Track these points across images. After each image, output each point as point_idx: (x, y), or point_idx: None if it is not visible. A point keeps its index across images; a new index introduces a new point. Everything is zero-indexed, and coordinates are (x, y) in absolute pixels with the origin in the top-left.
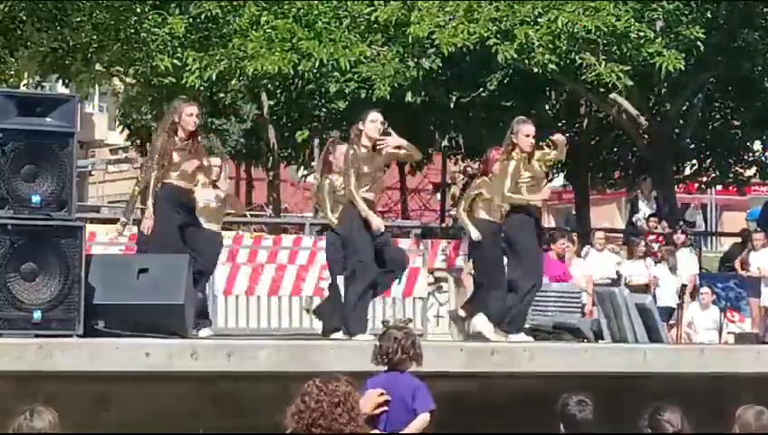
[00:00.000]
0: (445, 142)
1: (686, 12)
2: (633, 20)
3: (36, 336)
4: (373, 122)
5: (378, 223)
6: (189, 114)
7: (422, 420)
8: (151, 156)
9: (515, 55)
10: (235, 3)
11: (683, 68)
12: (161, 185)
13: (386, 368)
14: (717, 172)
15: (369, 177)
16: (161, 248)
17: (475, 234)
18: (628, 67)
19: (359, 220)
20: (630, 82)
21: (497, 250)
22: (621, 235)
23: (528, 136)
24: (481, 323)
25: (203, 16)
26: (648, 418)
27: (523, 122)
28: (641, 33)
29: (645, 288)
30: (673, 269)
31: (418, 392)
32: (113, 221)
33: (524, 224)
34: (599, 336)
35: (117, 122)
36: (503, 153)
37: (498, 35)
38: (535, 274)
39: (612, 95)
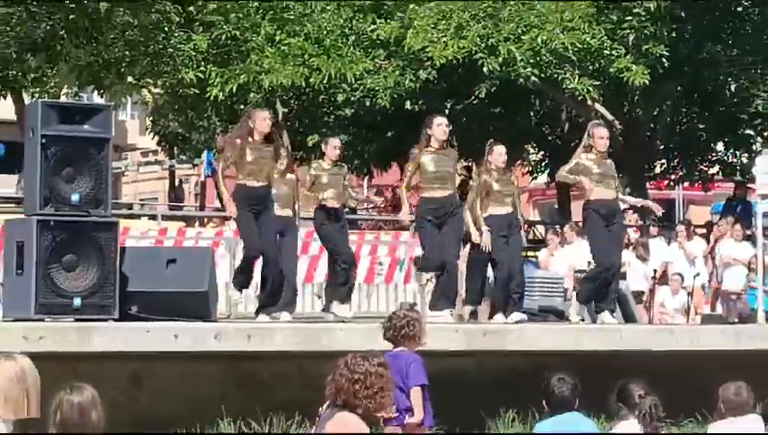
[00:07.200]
0: None
1: (653, 30)
2: (606, 38)
3: (76, 320)
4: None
5: None
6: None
7: (414, 394)
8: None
9: (498, 68)
10: (251, 23)
11: (647, 83)
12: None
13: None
14: (684, 171)
15: None
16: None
17: None
18: (598, 82)
19: None
20: (596, 95)
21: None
22: None
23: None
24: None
25: (223, 37)
26: (616, 392)
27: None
28: (613, 51)
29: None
30: (641, 258)
31: (410, 368)
32: (145, 217)
33: None
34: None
35: (147, 128)
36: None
37: (485, 50)
38: None
39: (589, 102)
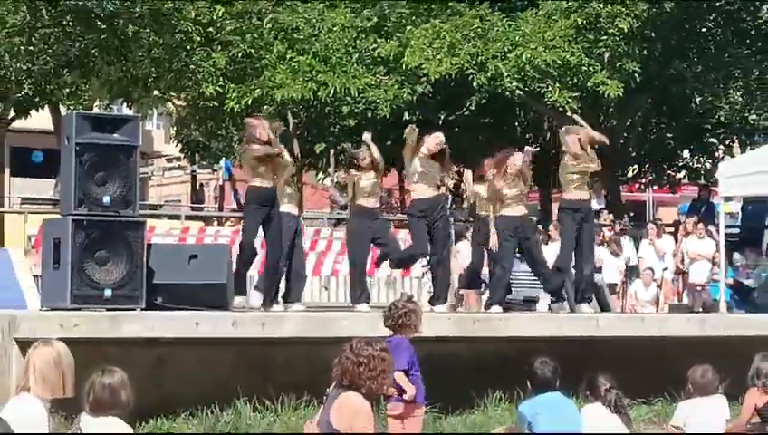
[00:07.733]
0: None
1: (626, 48)
2: (584, 56)
3: (107, 310)
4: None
5: None
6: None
7: (396, 376)
8: None
9: (487, 82)
10: (265, 42)
11: (621, 95)
12: None
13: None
14: (654, 175)
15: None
16: None
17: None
18: (577, 94)
19: None
20: (575, 107)
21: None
22: None
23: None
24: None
25: (240, 55)
26: (585, 383)
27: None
28: (590, 67)
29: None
30: (615, 253)
31: (394, 353)
32: (169, 217)
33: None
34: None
35: (171, 137)
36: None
37: (475, 66)
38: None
39: (569, 113)
